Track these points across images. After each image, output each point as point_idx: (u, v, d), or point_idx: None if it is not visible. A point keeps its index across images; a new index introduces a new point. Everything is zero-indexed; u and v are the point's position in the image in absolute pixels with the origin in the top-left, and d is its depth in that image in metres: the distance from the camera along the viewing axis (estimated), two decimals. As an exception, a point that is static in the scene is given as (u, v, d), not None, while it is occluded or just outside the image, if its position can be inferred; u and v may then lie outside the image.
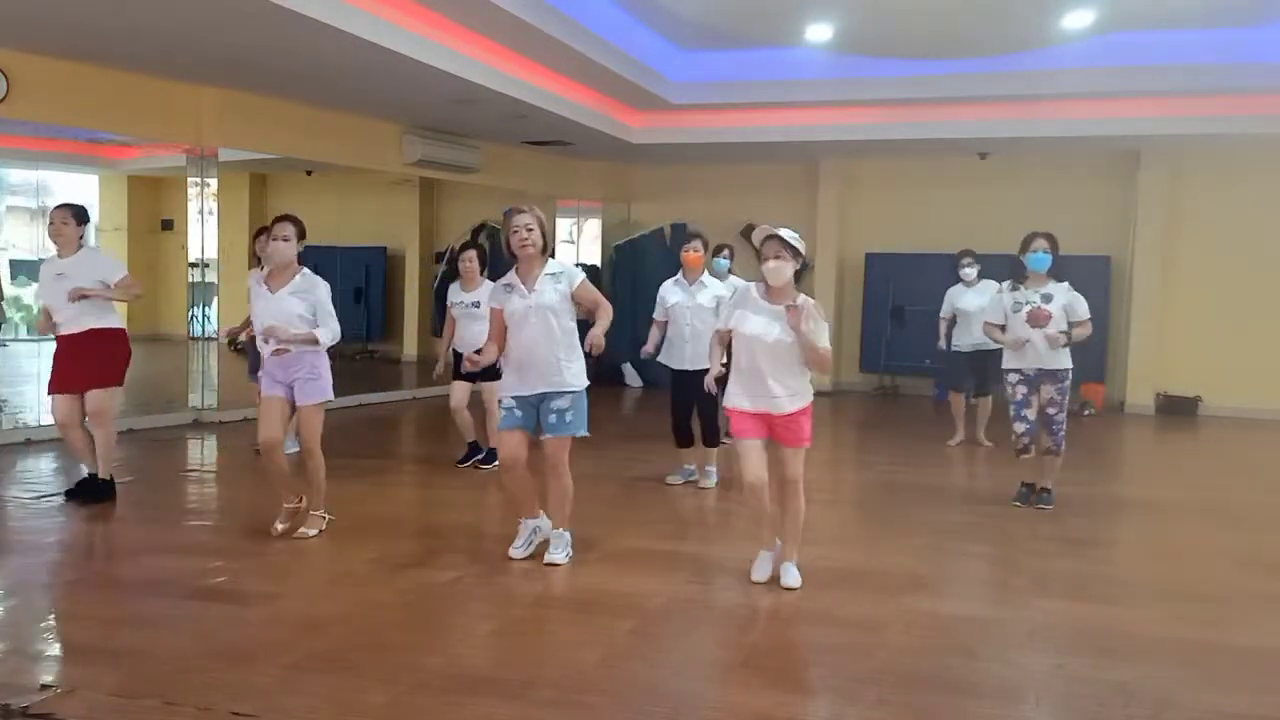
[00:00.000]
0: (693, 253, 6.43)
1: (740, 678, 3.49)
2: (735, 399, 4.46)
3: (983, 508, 6.23)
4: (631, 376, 12.75)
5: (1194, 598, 4.52)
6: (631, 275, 12.89)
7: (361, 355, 14.11)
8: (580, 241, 13.74)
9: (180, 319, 9.20)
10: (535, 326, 4.59)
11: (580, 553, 4.88)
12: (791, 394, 4.38)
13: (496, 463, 6.69)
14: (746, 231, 12.19)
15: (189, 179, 8.81)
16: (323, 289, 5.04)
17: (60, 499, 5.75)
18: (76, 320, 5.52)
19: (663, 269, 8.60)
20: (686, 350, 6.38)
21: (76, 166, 11.90)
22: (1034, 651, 3.81)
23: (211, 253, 8.85)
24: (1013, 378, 6.12)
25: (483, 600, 4.24)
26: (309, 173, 13.23)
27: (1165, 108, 9.72)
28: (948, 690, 3.42)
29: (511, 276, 4.69)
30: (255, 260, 6.82)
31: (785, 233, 4.36)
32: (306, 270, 5.08)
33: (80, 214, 5.68)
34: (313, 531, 5.10)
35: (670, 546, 4.83)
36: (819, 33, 8.75)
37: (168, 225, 12.01)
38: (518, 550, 4.80)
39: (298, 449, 7.16)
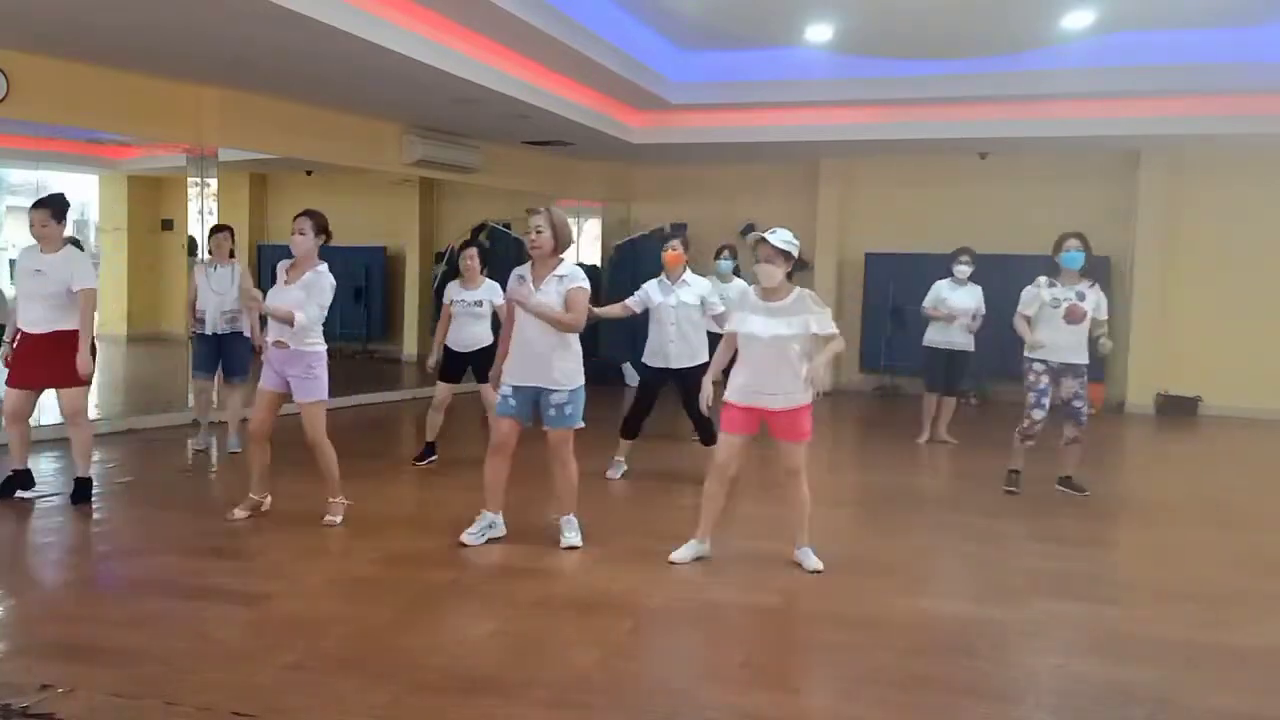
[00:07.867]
0: (670, 252, 6.48)
1: (740, 678, 3.49)
2: (730, 394, 4.65)
3: (982, 507, 6.23)
4: (630, 376, 12.73)
5: (1194, 598, 4.52)
6: (631, 275, 12.88)
7: (360, 355, 14.11)
8: (580, 241, 13.74)
9: (180, 319, 9.19)
10: (534, 322, 4.77)
11: (581, 552, 4.89)
12: (788, 394, 4.53)
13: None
14: (746, 231, 12.21)
15: (189, 179, 8.80)
16: (325, 280, 5.15)
17: (58, 499, 5.74)
18: (44, 321, 5.47)
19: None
20: (671, 349, 6.41)
21: (76, 166, 11.87)
22: (1034, 651, 3.81)
23: (211, 253, 8.84)
24: (1038, 367, 6.37)
25: (483, 600, 4.24)
26: (309, 173, 13.20)
27: (1165, 108, 9.73)
28: (948, 690, 3.42)
29: (526, 269, 4.89)
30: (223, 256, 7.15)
31: (774, 237, 4.52)
32: (321, 268, 5.19)
33: (59, 212, 5.54)
34: (338, 519, 5.31)
35: (671, 546, 4.82)
36: (819, 33, 8.75)
37: (168, 225, 11.99)
38: (471, 537, 4.98)
39: (240, 449, 7.25)
